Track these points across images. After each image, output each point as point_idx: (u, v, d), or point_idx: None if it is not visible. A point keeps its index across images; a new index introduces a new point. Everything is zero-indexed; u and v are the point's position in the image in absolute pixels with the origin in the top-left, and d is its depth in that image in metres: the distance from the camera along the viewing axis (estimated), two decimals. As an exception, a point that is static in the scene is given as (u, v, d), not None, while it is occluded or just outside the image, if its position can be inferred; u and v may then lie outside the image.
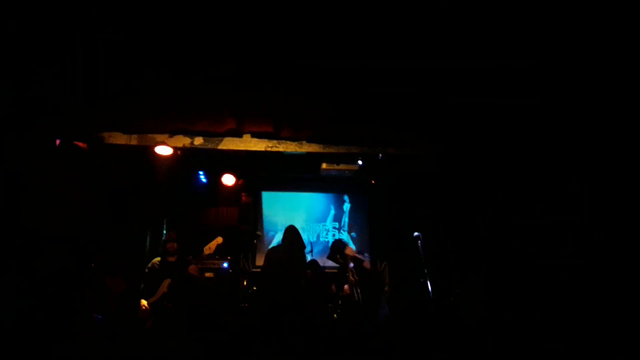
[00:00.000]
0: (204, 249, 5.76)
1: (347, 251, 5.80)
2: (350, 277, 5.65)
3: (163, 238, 7.11)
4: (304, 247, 5.51)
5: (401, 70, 4.18)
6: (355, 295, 5.66)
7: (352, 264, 5.82)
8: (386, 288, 5.94)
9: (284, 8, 3.80)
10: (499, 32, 3.83)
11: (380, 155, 5.16)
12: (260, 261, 7.60)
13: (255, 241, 6.53)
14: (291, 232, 5.52)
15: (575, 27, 3.74)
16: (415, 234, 5.85)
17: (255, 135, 4.58)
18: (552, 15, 3.68)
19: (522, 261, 5.13)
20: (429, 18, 3.82)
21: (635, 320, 3.87)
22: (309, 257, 6.76)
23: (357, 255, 5.88)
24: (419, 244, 5.38)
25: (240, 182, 7.19)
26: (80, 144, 4.70)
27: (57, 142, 4.23)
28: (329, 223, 8.12)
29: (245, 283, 6.04)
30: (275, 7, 3.78)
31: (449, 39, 3.95)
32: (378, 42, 4.00)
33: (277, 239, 7.71)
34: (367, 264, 5.81)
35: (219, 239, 5.86)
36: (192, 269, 5.46)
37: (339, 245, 6.26)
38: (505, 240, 5.49)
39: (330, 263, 7.61)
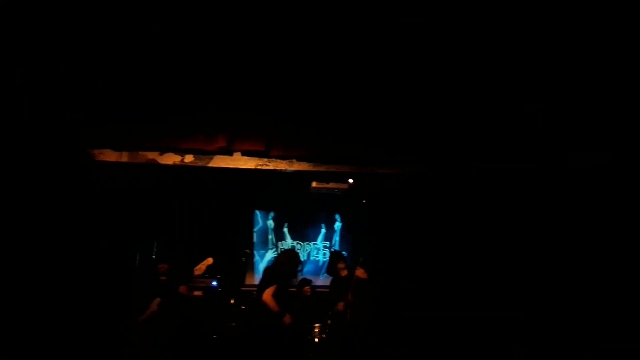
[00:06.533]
0: (194, 269, 5.70)
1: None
2: (349, 296, 5.60)
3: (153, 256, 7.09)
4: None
5: (387, 92, 4.25)
6: (348, 314, 5.62)
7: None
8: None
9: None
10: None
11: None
12: (250, 280, 7.58)
13: (244, 259, 6.49)
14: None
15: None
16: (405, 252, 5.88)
17: (245, 153, 4.61)
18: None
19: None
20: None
21: None
22: (299, 276, 6.75)
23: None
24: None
25: (231, 200, 7.19)
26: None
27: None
28: (320, 242, 8.12)
29: (232, 301, 5.99)
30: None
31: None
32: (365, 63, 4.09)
33: (268, 257, 7.69)
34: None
35: (209, 260, 5.81)
36: (183, 288, 5.43)
37: (338, 255, 6.21)
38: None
39: (320, 282, 7.60)
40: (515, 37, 3.73)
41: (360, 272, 5.63)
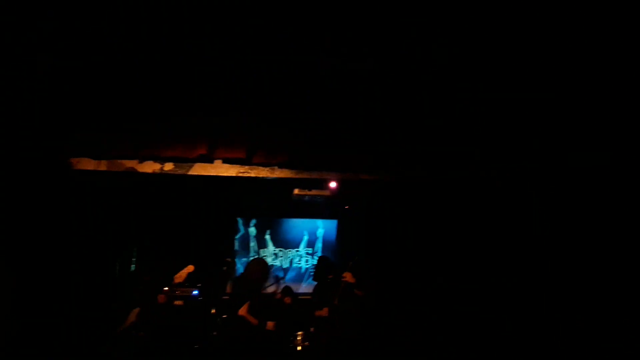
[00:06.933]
0: (175, 277, 5.62)
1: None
2: (335, 301, 5.56)
3: (133, 267, 6.94)
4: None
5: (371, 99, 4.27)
6: (335, 320, 5.56)
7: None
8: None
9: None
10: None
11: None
12: (231, 289, 7.49)
13: (225, 268, 6.41)
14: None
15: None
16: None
17: (226, 161, 4.57)
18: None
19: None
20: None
21: None
22: (281, 284, 6.70)
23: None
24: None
25: (213, 207, 7.12)
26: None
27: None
28: (303, 249, 8.08)
29: (214, 311, 5.90)
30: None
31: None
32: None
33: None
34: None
35: (191, 267, 5.74)
36: (161, 297, 5.35)
37: (327, 262, 6.15)
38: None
39: (302, 289, 7.56)
40: (514, 35, 3.74)
41: (348, 276, 5.60)
